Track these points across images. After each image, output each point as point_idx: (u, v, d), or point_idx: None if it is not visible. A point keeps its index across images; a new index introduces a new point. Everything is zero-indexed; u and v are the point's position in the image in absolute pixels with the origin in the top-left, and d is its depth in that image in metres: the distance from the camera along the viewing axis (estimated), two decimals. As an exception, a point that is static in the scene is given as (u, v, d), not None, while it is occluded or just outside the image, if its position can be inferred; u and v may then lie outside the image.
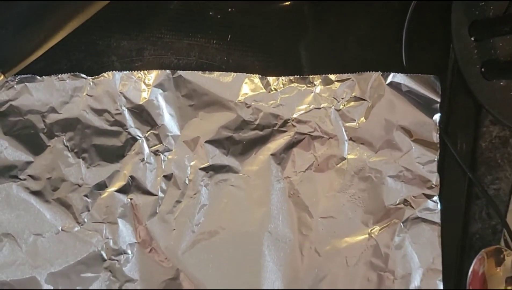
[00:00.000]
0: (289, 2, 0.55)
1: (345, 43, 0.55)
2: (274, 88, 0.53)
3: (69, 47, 0.52)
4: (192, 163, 0.53)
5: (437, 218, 0.53)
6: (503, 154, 0.57)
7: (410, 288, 0.53)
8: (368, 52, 0.55)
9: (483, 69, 0.52)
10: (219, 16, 0.54)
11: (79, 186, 0.52)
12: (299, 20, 0.55)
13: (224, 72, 0.53)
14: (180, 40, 0.54)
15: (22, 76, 0.51)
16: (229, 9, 0.54)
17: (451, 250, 0.55)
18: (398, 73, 0.53)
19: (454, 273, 0.56)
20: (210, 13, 0.54)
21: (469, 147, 0.56)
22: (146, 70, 0.52)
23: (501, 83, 0.52)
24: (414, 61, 0.54)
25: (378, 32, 0.55)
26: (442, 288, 0.53)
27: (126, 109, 0.52)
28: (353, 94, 0.53)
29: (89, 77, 0.52)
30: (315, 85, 0.53)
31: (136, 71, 0.52)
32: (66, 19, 0.41)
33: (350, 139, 0.53)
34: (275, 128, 0.53)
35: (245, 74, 0.53)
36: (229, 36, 0.54)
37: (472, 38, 0.52)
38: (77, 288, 0.52)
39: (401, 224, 0.54)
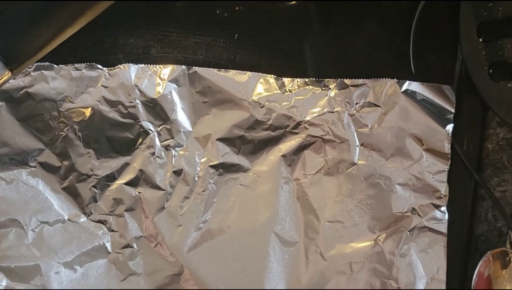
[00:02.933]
0: (294, 2, 0.54)
1: (352, 42, 0.55)
2: (288, 89, 0.53)
3: (76, 45, 0.52)
4: (202, 160, 0.53)
5: (444, 228, 0.53)
6: (510, 156, 0.56)
7: (413, 296, 0.54)
8: (375, 51, 0.55)
9: (490, 70, 0.52)
10: (226, 15, 0.54)
11: (88, 176, 0.52)
12: (306, 19, 0.55)
13: (239, 71, 0.53)
14: (187, 38, 0.54)
15: (39, 63, 0.51)
16: (237, 8, 0.54)
17: (456, 251, 0.55)
18: (406, 75, 0.53)
19: (459, 275, 0.55)
20: (217, 11, 0.54)
21: (475, 148, 0.56)
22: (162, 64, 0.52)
23: (509, 85, 0.52)
24: (422, 61, 0.54)
25: (385, 32, 0.55)
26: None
27: (139, 102, 0.52)
28: (368, 99, 0.53)
29: (105, 68, 0.52)
30: (330, 88, 0.53)
31: (151, 65, 0.52)
32: (75, 16, 0.41)
33: (362, 144, 0.53)
34: (287, 130, 0.53)
35: (260, 74, 0.53)
36: (236, 34, 0.54)
37: (480, 39, 0.52)
38: (80, 280, 0.52)
39: (408, 232, 0.53)
